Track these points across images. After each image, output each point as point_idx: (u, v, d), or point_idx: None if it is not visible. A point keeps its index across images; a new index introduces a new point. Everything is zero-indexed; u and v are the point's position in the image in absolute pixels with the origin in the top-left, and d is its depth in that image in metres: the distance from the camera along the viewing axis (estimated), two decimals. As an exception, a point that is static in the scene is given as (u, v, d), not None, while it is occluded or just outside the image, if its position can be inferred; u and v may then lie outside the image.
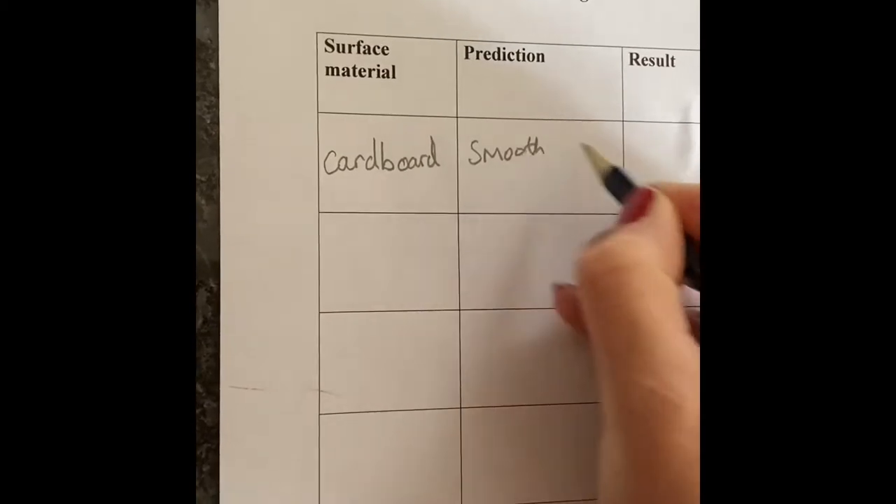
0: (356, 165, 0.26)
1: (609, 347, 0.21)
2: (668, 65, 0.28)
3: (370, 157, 0.26)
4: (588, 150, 0.26)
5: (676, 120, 0.28)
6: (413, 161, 0.26)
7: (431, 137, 0.26)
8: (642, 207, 0.23)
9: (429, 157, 0.26)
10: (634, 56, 0.27)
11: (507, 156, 0.27)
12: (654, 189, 0.23)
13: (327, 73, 0.26)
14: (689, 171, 0.27)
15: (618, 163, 0.26)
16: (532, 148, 0.27)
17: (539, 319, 0.27)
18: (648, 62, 0.27)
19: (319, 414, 0.25)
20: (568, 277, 0.27)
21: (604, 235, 0.23)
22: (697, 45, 0.28)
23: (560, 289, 0.26)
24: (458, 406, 0.26)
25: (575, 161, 0.27)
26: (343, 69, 0.26)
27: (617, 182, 0.25)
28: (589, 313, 0.22)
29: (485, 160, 0.27)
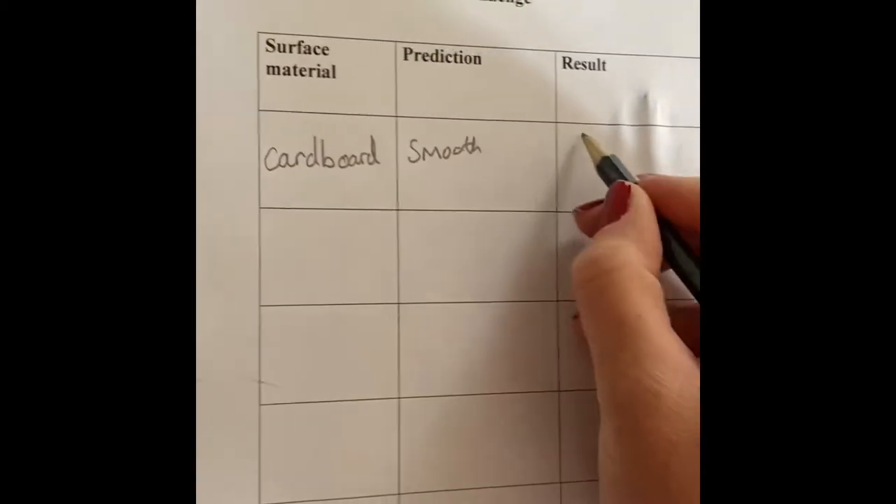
0: (297, 163, 0.26)
1: (600, 344, 0.23)
2: (599, 69, 0.29)
3: (311, 154, 0.27)
4: (585, 138, 0.28)
5: (607, 122, 0.29)
6: (353, 159, 0.27)
7: (371, 136, 0.27)
8: (621, 202, 0.25)
9: (369, 156, 0.27)
10: (567, 60, 0.28)
11: (446, 154, 0.28)
12: (629, 183, 0.25)
13: (268, 72, 0.26)
14: (618, 171, 0.29)
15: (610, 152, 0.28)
16: (470, 147, 0.28)
17: (476, 312, 0.28)
18: (581, 66, 0.29)
19: (259, 404, 0.26)
20: (501, 272, 0.28)
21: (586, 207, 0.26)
22: (628, 50, 0.29)
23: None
24: (397, 396, 0.27)
25: (511, 160, 0.28)
26: (284, 68, 0.26)
27: (608, 169, 0.27)
28: (583, 315, 0.24)
29: (424, 158, 0.28)
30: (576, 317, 0.28)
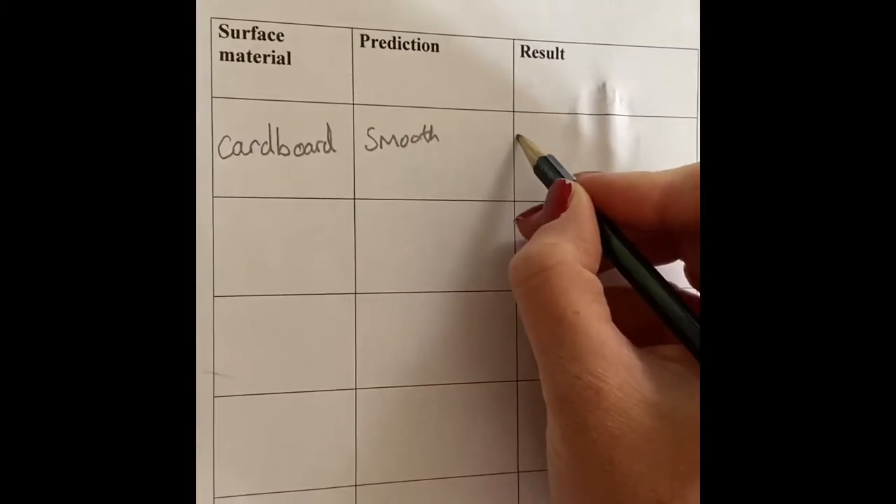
0: (251, 150, 0.26)
1: (540, 341, 0.23)
2: (558, 57, 0.29)
3: (265, 142, 0.26)
4: (521, 139, 0.28)
5: (565, 111, 0.29)
6: (309, 147, 0.27)
7: (328, 124, 0.27)
8: (562, 201, 0.25)
9: (325, 143, 0.27)
10: (525, 48, 0.28)
11: (403, 143, 0.27)
12: (569, 181, 0.25)
13: (222, 59, 0.26)
14: (576, 161, 0.29)
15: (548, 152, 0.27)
16: (427, 136, 0.28)
17: (432, 302, 0.27)
18: (539, 54, 0.28)
19: (214, 396, 0.26)
20: (458, 262, 0.28)
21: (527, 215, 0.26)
22: (586, 39, 0.29)
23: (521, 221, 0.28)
24: (354, 387, 0.27)
25: (468, 149, 0.28)
26: (238, 55, 0.26)
27: (545, 170, 0.27)
28: (522, 313, 0.24)
29: (381, 147, 0.27)
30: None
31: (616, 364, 0.22)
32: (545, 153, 0.27)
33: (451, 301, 0.28)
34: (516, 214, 0.28)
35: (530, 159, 0.27)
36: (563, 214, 0.24)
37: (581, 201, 0.25)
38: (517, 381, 0.28)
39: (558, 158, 0.28)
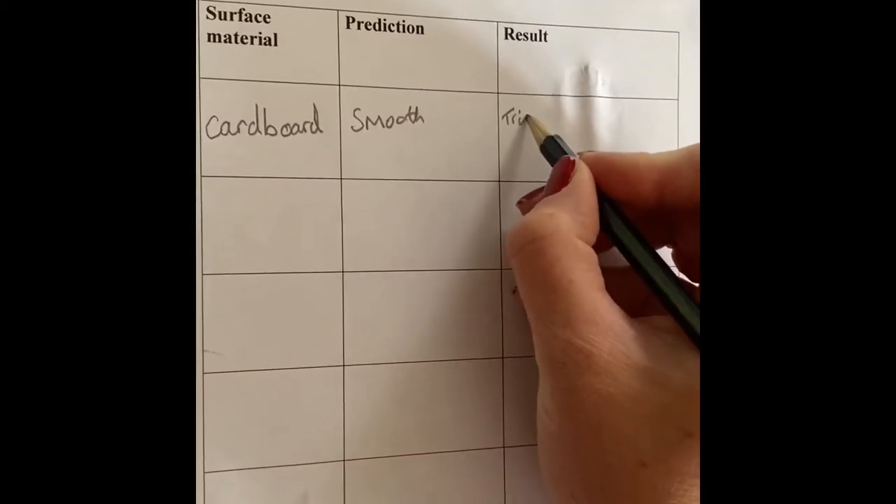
0: (238, 131, 0.26)
1: (534, 308, 0.24)
2: (541, 40, 0.29)
3: (252, 122, 0.26)
4: (530, 119, 0.29)
5: (548, 93, 0.29)
6: (296, 127, 0.27)
7: (314, 104, 0.27)
8: (565, 176, 0.25)
9: (311, 124, 0.27)
10: (509, 31, 0.29)
11: (389, 124, 0.28)
12: (574, 158, 0.26)
13: (209, 40, 0.26)
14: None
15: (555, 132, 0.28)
16: (413, 117, 0.28)
17: (418, 280, 0.28)
18: (522, 37, 0.29)
19: (203, 373, 0.26)
20: (444, 240, 0.28)
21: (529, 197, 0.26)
22: (569, 22, 0.29)
23: (523, 203, 0.28)
24: (342, 364, 0.27)
25: (454, 130, 0.28)
26: (225, 36, 0.26)
27: (552, 149, 0.27)
28: (517, 280, 0.24)
29: (367, 128, 0.28)
30: (514, 291, 0.28)
31: (606, 330, 0.22)
32: (552, 133, 0.28)
33: (437, 279, 0.28)
34: (501, 194, 0.29)
35: (537, 139, 0.28)
36: (563, 189, 0.25)
37: (582, 176, 0.25)
38: (503, 357, 0.29)
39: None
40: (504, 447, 0.29)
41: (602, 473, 0.22)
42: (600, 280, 0.24)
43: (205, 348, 0.26)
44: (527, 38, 0.29)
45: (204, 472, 0.26)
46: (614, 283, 0.24)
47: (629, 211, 0.26)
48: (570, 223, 0.24)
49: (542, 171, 0.28)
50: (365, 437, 0.27)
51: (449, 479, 0.28)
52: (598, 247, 0.25)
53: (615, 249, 0.26)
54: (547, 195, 0.25)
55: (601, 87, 0.30)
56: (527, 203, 0.28)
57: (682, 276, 0.27)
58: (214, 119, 0.26)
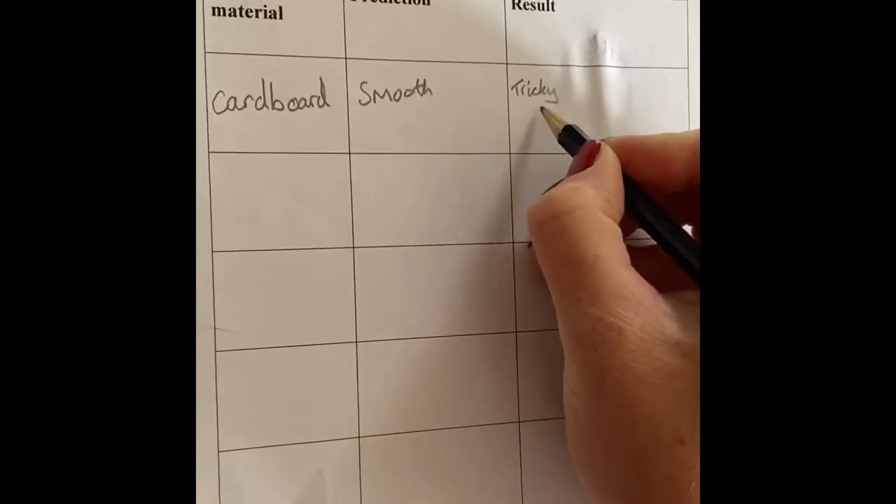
0: (245, 105, 0.26)
1: (559, 285, 0.23)
2: (548, 9, 0.29)
3: (259, 97, 0.26)
4: (544, 110, 0.28)
5: (557, 62, 0.29)
6: (303, 101, 0.27)
7: (321, 78, 0.27)
8: (590, 158, 0.25)
9: (318, 98, 0.27)
10: (516, 0, 0.28)
11: (397, 97, 0.27)
12: (600, 142, 0.25)
13: (214, 14, 0.26)
14: (569, 113, 0.29)
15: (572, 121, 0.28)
16: (421, 89, 0.28)
17: (429, 255, 0.28)
18: (529, 6, 0.29)
19: (216, 351, 0.26)
20: (455, 214, 0.28)
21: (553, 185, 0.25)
22: (577, -8, 0.29)
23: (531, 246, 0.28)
24: (354, 340, 0.27)
25: (462, 102, 0.28)
26: (229, 10, 0.26)
27: (570, 138, 0.27)
28: (540, 256, 0.24)
29: (374, 101, 0.27)
30: (530, 245, 0.28)
31: (637, 305, 0.22)
32: (569, 122, 0.27)
33: (449, 254, 0.28)
34: (512, 166, 0.28)
35: (554, 129, 0.28)
36: (588, 168, 0.24)
37: (608, 158, 0.25)
38: (516, 332, 0.28)
39: (551, 109, 0.28)
40: (519, 422, 0.28)
41: (638, 454, 0.21)
42: (626, 256, 0.23)
43: (217, 326, 0.26)
44: (534, 7, 0.29)
45: (218, 451, 0.26)
46: (639, 262, 0.23)
47: (657, 194, 0.25)
48: (597, 198, 0.23)
49: (554, 142, 0.28)
50: (379, 414, 0.27)
51: (464, 454, 0.28)
52: (624, 230, 0.24)
53: (638, 232, 0.26)
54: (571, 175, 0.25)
55: (610, 56, 0.29)
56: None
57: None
58: (221, 94, 0.26)
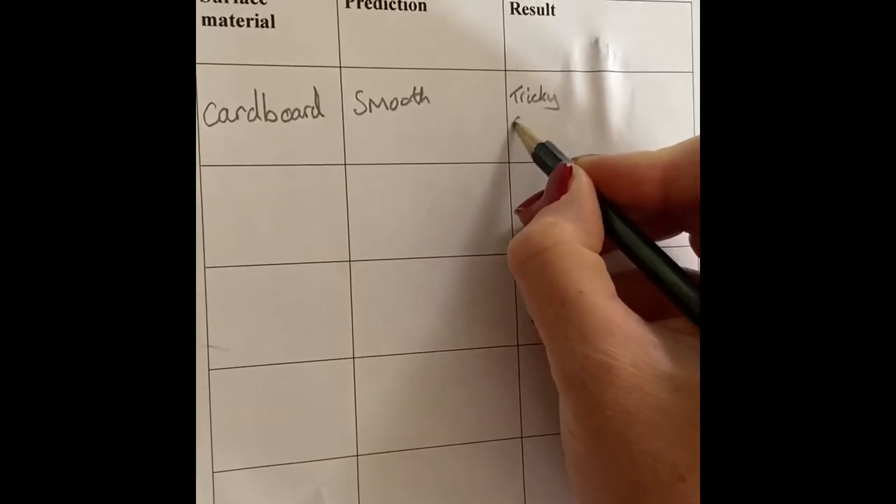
0: (237, 117, 0.25)
1: (545, 323, 0.22)
2: (548, 14, 0.28)
3: (252, 108, 0.26)
4: (517, 126, 0.27)
5: (557, 68, 0.28)
6: (297, 112, 0.26)
7: (315, 88, 0.26)
8: (562, 184, 0.24)
9: (313, 108, 0.26)
10: (515, 5, 0.28)
11: (393, 106, 0.27)
12: (571, 164, 0.24)
13: (204, 23, 0.25)
14: (570, 119, 0.28)
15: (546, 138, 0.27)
16: (418, 98, 0.27)
17: (428, 267, 0.27)
18: (529, 11, 0.28)
19: (209, 369, 0.25)
20: (454, 226, 0.27)
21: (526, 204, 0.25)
22: (577, -5, 0.28)
23: (522, 211, 0.27)
24: (351, 356, 0.26)
25: (460, 110, 0.27)
26: (220, 19, 0.25)
27: (545, 156, 0.26)
28: (525, 295, 0.23)
29: (370, 110, 0.27)
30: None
31: (625, 340, 0.21)
32: (542, 139, 0.26)
33: (448, 266, 0.27)
34: (511, 176, 0.28)
35: (528, 147, 0.27)
36: (563, 197, 0.24)
37: (581, 183, 0.24)
38: (518, 345, 0.28)
39: (551, 118, 0.28)
40: (522, 437, 0.28)
41: (637, 491, 0.20)
42: (611, 287, 0.22)
43: (210, 344, 0.25)
44: (533, 12, 0.28)
45: (213, 472, 0.25)
46: (625, 288, 0.23)
47: (634, 213, 0.25)
48: (574, 231, 0.23)
49: (554, 150, 0.27)
50: (378, 431, 0.26)
51: (466, 471, 0.27)
52: (603, 249, 0.23)
53: (620, 252, 0.25)
54: (545, 204, 0.24)
55: (612, 61, 0.29)
56: (525, 211, 0.27)
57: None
58: (212, 105, 0.25)
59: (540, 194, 0.25)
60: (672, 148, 0.24)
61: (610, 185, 0.24)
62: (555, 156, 0.26)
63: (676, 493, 0.20)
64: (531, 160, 0.27)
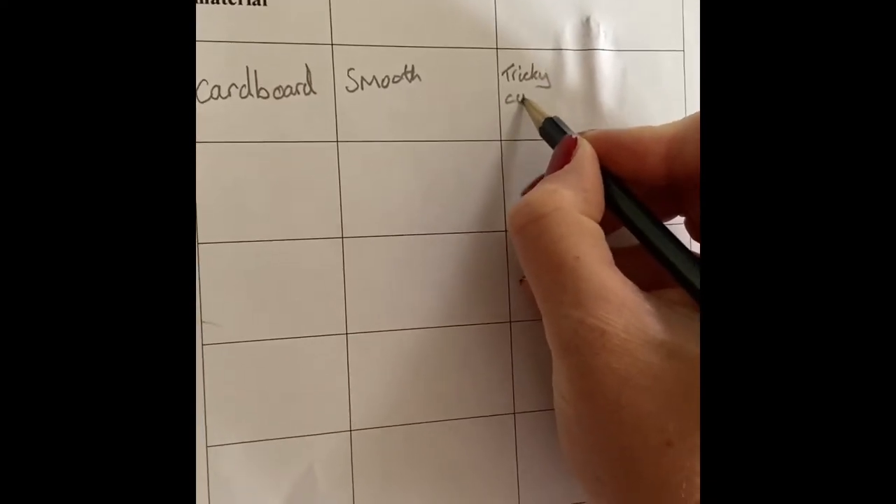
0: (230, 94, 0.26)
1: (541, 288, 0.23)
2: (539, -8, 0.28)
3: (244, 85, 0.26)
4: (526, 102, 0.28)
5: (549, 47, 0.28)
6: (289, 89, 0.26)
7: (307, 65, 0.26)
8: (567, 154, 0.24)
9: (305, 86, 0.26)
10: (506, -17, 0.28)
11: (385, 83, 0.27)
12: (577, 136, 0.25)
13: (197, 1, 0.25)
14: (561, 97, 0.28)
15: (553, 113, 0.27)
16: (409, 75, 0.27)
17: (420, 244, 0.27)
18: (520, -11, 0.28)
19: (202, 345, 0.25)
20: (446, 203, 0.27)
21: (533, 186, 0.25)
22: (568, -26, 0.28)
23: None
24: (345, 332, 0.26)
25: (452, 88, 0.27)
26: (212, -4, 0.25)
27: (552, 130, 0.26)
28: (522, 261, 0.24)
29: (362, 88, 0.27)
30: (522, 280, 0.28)
31: (619, 306, 0.21)
32: (550, 115, 0.27)
33: (440, 243, 0.27)
34: (503, 153, 0.28)
35: (535, 121, 0.27)
36: (566, 166, 0.24)
37: (585, 153, 0.24)
38: (510, 322, 0.28)
39: (543, 95, 0.28)
40: (515, 413, 0.28)
41: (626, 455, 0.21)
42: (609, 255, 0.23)
43: (203, 319, 0.25)
44: (525, -10, 0.28)
45: (207, 446, 0.25)
46: (623, 262, 0.23)
47: (636, 187, 0.25)
48: (574, 199, 0.23)
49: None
50: (371, 407, 0.27)
51: (459, 446, 0.27)
52: (606, 227, 0.24)
53: (622, 231, 0.25)
54: (549, 174, 0.24)
55: (603, 39, 0.29)
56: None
57: (696, 246, 0.26)
58: (204, 83, 0.25)
59: (542, 177, 0.26)
60: (676, 123, 0.25)
61: (614, 157, 0.25)
62: (561, 130, 0.26)
63: (664, 458, 0.20)
64: (522, 137, 0.28)
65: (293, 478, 0.26)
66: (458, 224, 0.27)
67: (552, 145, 0.26)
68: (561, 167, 0.24)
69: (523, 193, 0.27)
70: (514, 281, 0.28)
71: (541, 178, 0.26)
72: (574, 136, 0.25)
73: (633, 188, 0.25)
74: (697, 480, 0.20)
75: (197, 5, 0.25)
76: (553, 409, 0.24)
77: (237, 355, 0.25)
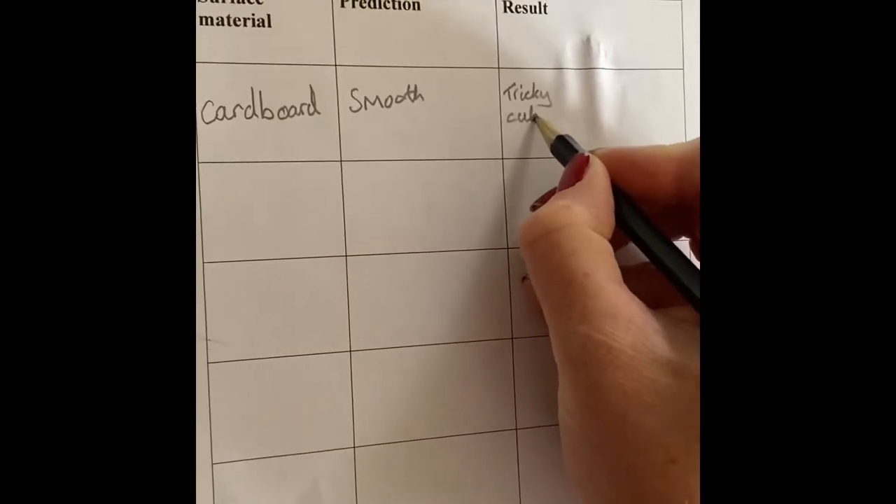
0: (234, 115, 0.26)
1: (550, 303, 0.23)
2: (540, 12, 0.28)
3: (249, 106, 0.26)
4: (538, 119, 0.28)
5: (550, 66, 0.29)
6: (293, 110, 0.26)
7: (311, 86, 0.26)
8: (579, 172, 0.25)
9: (309, 106, 0.27)
10: (507, 4, 0.28)
11: (388, 103, 0.27)
12: (588, 154, 0.25)
13: (201, 23, 0.26)
14: (564, 117, 0.28)
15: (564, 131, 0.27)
16: (412, 95, 0.27)
17: (423, 262, 0.27)
18: (521, 10, 0.28)
19: (208, 363, 0.25)
20: (448, 221, 0.28)
21: (543, 200, 0.26)
22: (569, -6, 0.29)
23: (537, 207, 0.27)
24: (348, 349, 0.27)
25: (454, 107, 0.28)
26: (217, 18, 0.26)
27: (562, 148, 0.27)
28: (531, 275, 0.24)
29: (366, 108, 0.27)
30: (524, 279, 0.28)
31: (627, 323, 0.22)
32: (562, 132, 0.27)
33: (443, 261, 0.28)
34: (504, 172, 0.28)
35: (547, 139, 0.27)
36: (577, 183, 0.24)
37: (597, 171, 0.24)
38: (512, 338, 0.28)
39: (544, 114, 0.28)
40: (517, 429, 0.28)
41: (630, 472, 0.21)
42: (617, 272, 0.23)
43: (208, 337, 0.25)
44: (526, 10, 0.28)
45: (212, 463, 0.25)
46: (631, 280, 0.23)
47: (646, 205, 0.25)
48: (585, 215, 0.23)
49: (547, 148, 0.27)
50: (375, 423, 0.27)
51: (461, 462, 0.28)
52: (614, 244, 0.24)
53: (630, 247, 0.25)
54: (560, 191, 0.25)
55: (604, 58, 0.29)
56: (541, 206, 0.27)
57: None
58: (210, 104, 0.26)
59: (554, 191, 0.26)
60: (687, 143, 0.25)
61: (625, 175, 0.25)
62: (572, 147, 0.26)
63: (668, 476, 0.20)
64: (525, 156, 0.28)
65: (298, 494, 0.26)
66: (460, 242, 0.28)
67: (563, 163, 0.26)
68: (573, 184, 0.24)
69: (532, 209, 0.28)
70: (515, 298, 0.28)
71: (550, 193, 0.26)
72: (586, 154, 0.25)
73: (643, 206, 0.25)
74: None
75: (202, 27, 0.26)
76: (555, 425, 0.24)
77: (242, 373, 0.26)
